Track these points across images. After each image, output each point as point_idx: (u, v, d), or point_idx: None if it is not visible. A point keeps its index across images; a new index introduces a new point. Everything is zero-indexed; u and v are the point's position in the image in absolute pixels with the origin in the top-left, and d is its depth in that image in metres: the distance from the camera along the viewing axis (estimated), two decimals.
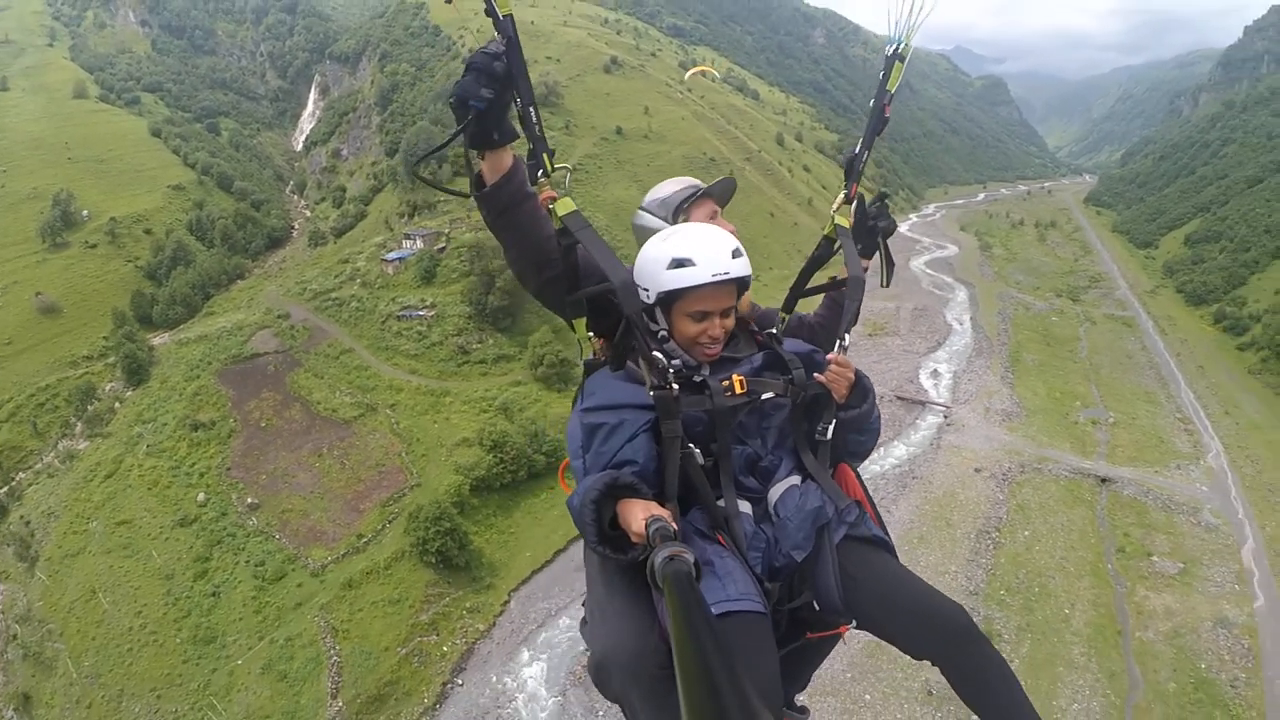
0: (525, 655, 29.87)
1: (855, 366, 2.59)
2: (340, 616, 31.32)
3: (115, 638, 32.71)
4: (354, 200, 76.99)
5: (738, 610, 2.06)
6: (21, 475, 45.24)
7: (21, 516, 41.31)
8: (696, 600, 1.44)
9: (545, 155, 2.45)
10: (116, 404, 48.16)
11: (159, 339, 53.44)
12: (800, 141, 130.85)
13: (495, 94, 2.15)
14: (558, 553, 34.60)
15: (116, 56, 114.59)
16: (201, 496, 37.95)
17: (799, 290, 3.20)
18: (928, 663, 2.16)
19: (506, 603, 32.61)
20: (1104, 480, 39.77)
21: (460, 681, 29.29)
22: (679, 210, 2.95)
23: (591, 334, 2.67)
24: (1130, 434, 45.15)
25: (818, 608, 2.36)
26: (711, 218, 2.97)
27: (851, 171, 3.10)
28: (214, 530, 36.12)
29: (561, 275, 2.52)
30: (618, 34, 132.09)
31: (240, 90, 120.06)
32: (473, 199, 2.41)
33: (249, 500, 37.54)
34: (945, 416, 47.14)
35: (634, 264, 2.53)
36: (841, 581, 2.29)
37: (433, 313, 48.59)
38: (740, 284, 2.46)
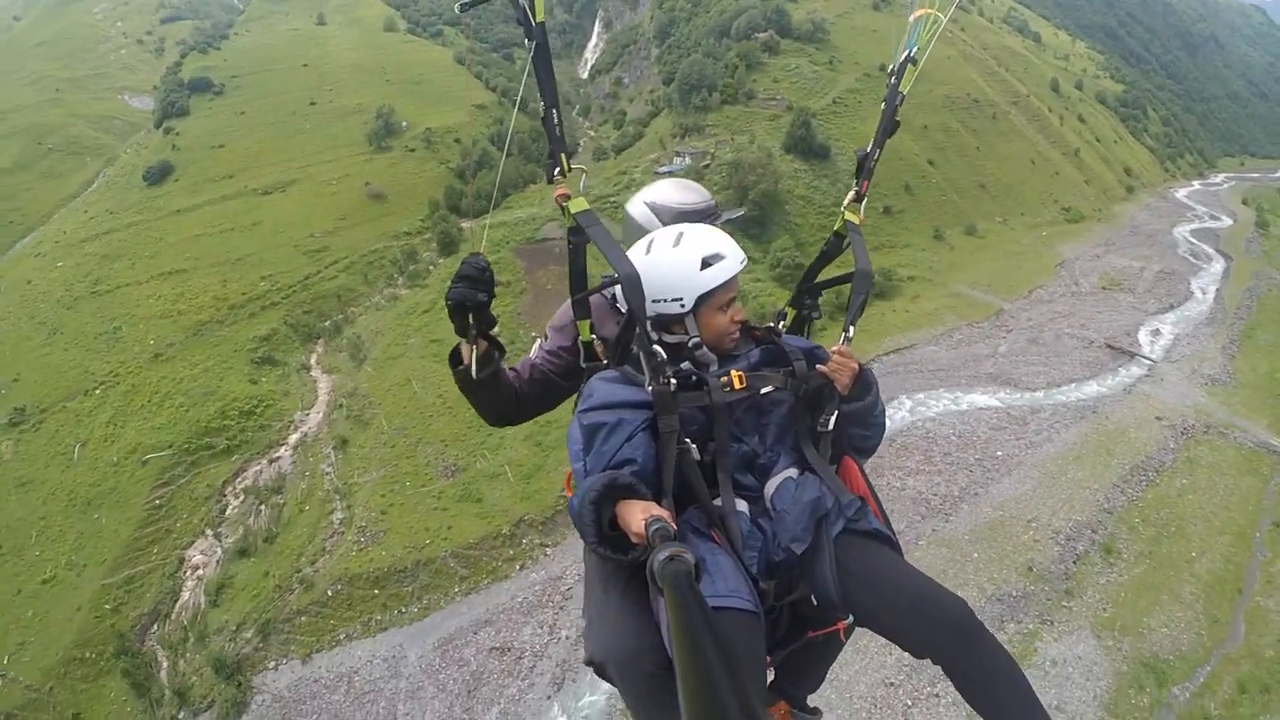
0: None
1: (858, 359, 2.76)
2: None
3: (420, 409, 45.82)
4: (633, 122, 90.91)
5: (725, 607, 2.18)
6: (353, 309, 61.17)
7: (354, 334, 56.35)
8: (697, 600, 1.54)
9: (563, 155, 2.90)
10: (431, 266, 64.01)
11: (466, 223, 69.81)
12: (1079, 90, 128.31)
13: (489, 295, 2.72)
14: None
15: None
16: (496, 329, 53.32)
17: (807, 284, 3.51)
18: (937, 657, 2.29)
19: None
20: None
21: None
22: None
23: (595, 336, 3.07)
24: None
25: (815, 602, 2.49)
26: None
27: (862, 169, 3.37)
28: (513, 350, 50.68)
29: (559, 377, 3.17)
30: None
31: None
32: (450, 367, 2.98)
33: (532, 335, 50.72)
34: (1149, 370, 48.99)
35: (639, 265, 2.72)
36: (839, 575, 2.41)
37: None
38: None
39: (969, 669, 2.22)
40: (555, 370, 3.15)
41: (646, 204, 3.34)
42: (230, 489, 41.44)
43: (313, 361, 54.98)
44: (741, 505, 2.57)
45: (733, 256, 2.70)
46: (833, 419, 2.71)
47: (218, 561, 38.17)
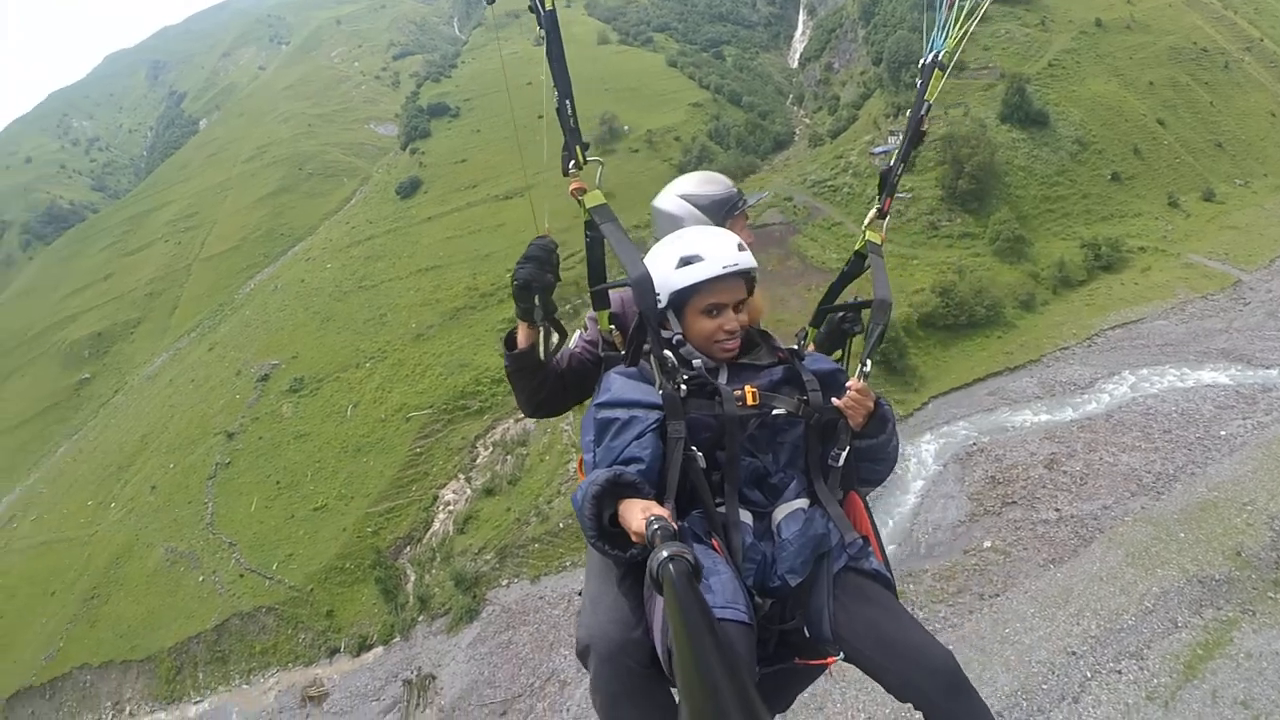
0: (927, 436, 41.33)
1: (876, 394, 2.76)
2: None
3: None
4: (846, 106, 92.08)
5: (721, 618, 2.23)
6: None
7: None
8: (697, 600, 1.56)
9: (578, 147, 2.99)
10: None
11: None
12: None
13: (555, 278, 2.84)
14: (978, 380, 45.01)
15: (625, 7, 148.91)
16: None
17: (826, 306, 3.54)
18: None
19: (926, 403, 44.14)
20: None
21: None
22: (728, 215, 3.29)
23: (613, 328, 3.14)
24: None
25: (807, 635, 2.56)
26: (744, 230, 3.30)
27: (885, 185, 3.40)
28: None
29: (566, 382, 3.15)
30: None
31: (736, 20, 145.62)
32: (502, 352, 3.02)
33: None
34: None
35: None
36: (834, 612, 2.49)
37: (910, 195, 61.34)
38: (748, 278, 2.81)
39: (950, 718, 2.29)
40: (593, 360, 3.18)
41: (671, 198, 3.33)
42: (481, 442, 48.62)
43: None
44: (746, 517, 2.62)
45: (713, 260, 2.69)
46: (844, 455, 2.74)
47: (466, 499, 45.74)
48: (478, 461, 47.94)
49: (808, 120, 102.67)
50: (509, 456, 46.15)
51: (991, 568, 31.40)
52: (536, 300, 2.84)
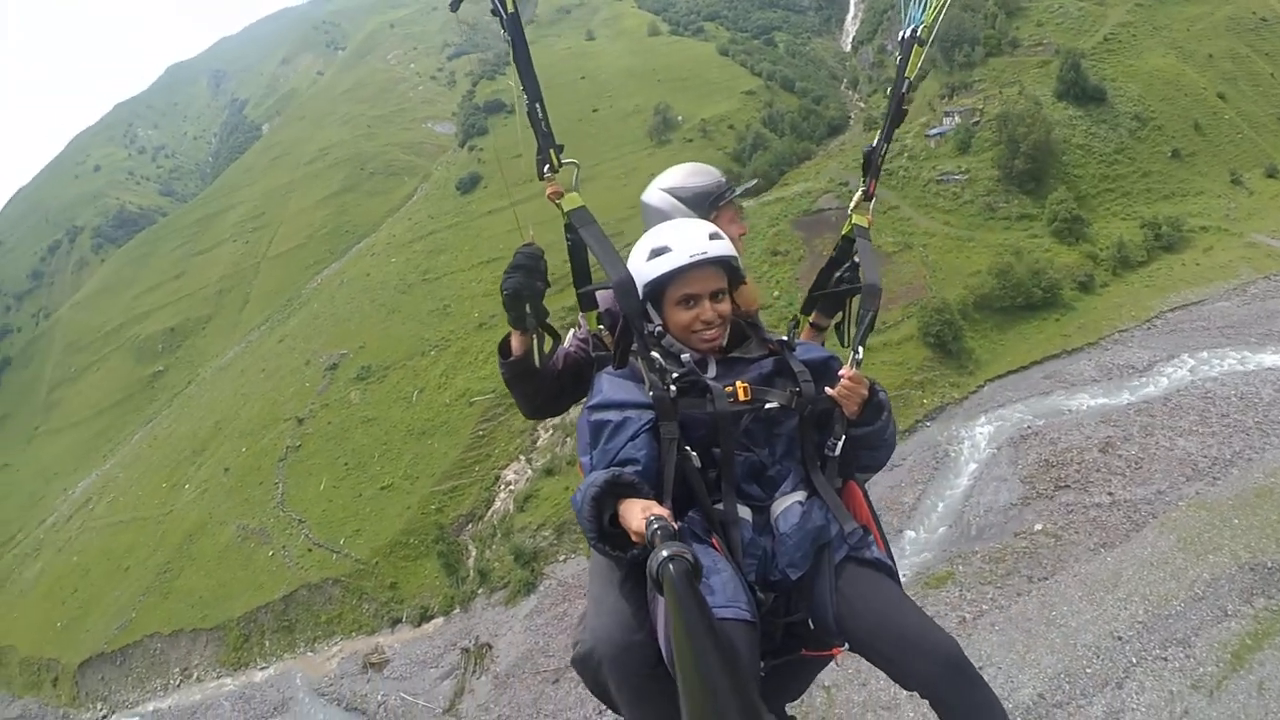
0: (981, 419, 41.52)
1: (870, 380, 2.75)
2: None
3: None
4: None
5: (723, 618, 2.25)
6: None
7: None
8: (697, 599, 1.55)
9: (552, 151, 2.95)
10: None
11: (746, 203, 74.97)
12: None
13: (544, 284, 2.86)
14: (1034, 363, 44.95)
15: None
16: (776, 293, 56.91)
17: (816, 293, 3.52)
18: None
19: (981, 386, 44.33)
20: None
21: (928, 423, 42.61)
22: (713, 207, 3.23)
23: (602, 328, 3.09)
24: None
25: (812, 626, 2.61)
26: (733, 221, 3.23)
27: (869, 166, 3.36)
28: (792, 311, 54.08)
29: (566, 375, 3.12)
30: None
31: (786, 5, 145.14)
32: (498, 358, 3.04)
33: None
34: None
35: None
36: (837, 603, 2.50)
37: (966, 177, 61.04)
38: (725, 265, 2.75)
39: (957, 708, 2.30)
40: (586, 359, 3.18)
41: (659, 191, 3.31)
42: (542, 425, 49.47)
43: None
44: (745, 513, 2.62)
45: (681, 249, 2.67)
46: (840, 444, 2.73)
47: (527, 479, 47.43)
48: (538, 444, 49.42)
49: (862, 104, 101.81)
50: (568, 439, 47.20)
51: (1041, 551, 31.55)
52: (528, 308, 2.86)
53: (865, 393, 2.70)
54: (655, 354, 2.60)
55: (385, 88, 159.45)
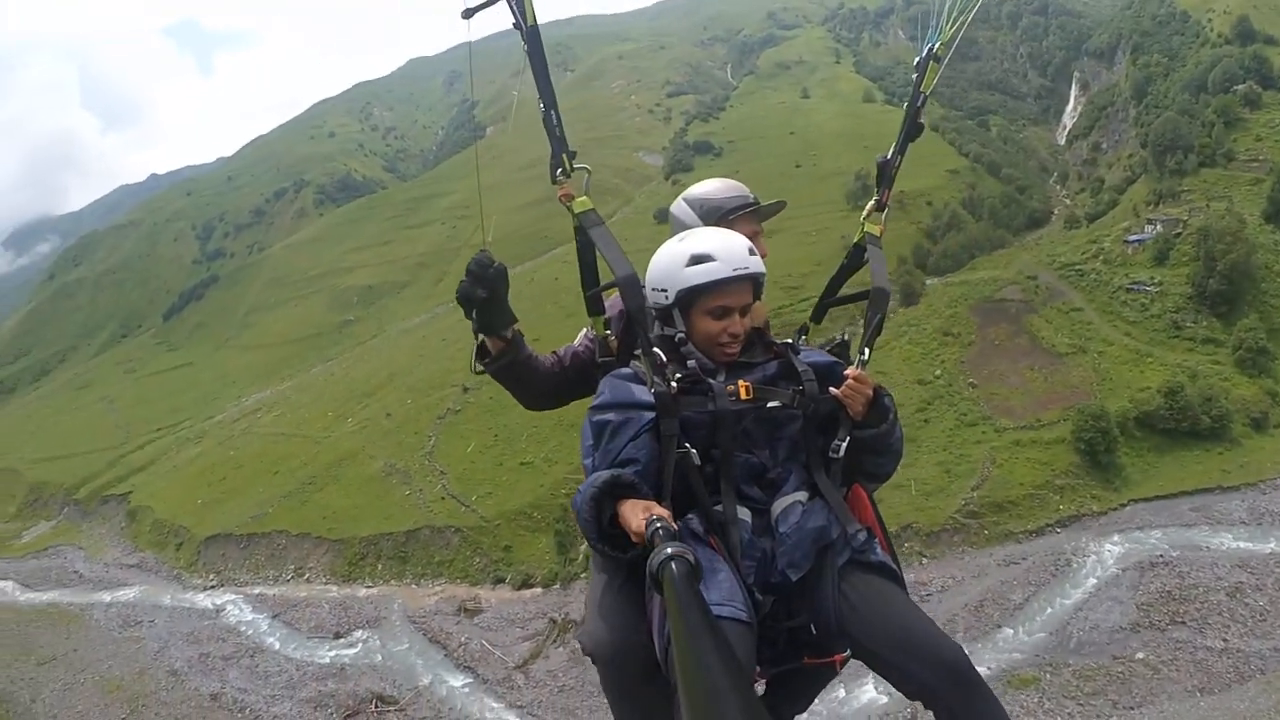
0: (1115, 537, 40.68)
1: (875, 384, 2.72)
2: (1001, 456, 46.89)
3: None
4: (1109, 189, 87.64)
5: (719, 616, 2.21)
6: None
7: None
8: (696, 600, 1.55)
9: (565, 156, 2.99)
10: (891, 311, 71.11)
11: (929, 280, 72.77)
12: None
13: (489, 292, 2.84)
14: (1184, 493, 43.16)
15: (893, 67, 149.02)
16: (939, 372, 56.87)
17: (827, 300, 3.54)
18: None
19: (1124, 505, 43.33)
20: None
21: (1058, 529, 42.29)
22: (724, 219, 3.24)
23: (609, 332, 3.13)
24: None
25: (814, 631, 2.55)
26: (753, 236, 3.12)
27: (883, 177, 3.37)
28: (949, 392, 53.45)
29: (569, 378, 3.23)
30: None
31: (1005, 90, 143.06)
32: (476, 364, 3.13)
33: (970, 380, 54.39)
34: None
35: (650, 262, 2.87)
36: (840, 606, 2.45)
37: (1158, 289, 58.77)
38: (756, 283, 2.77)
39: (961, 716, 2.24)
40: (592, 361, 3.19)
41: (680, 200, 3.39)
42: None
43: None
44: (744, 514, 2.60)
45: (726, 261, 2.66)
46: (844, 445, 2.70)
47: None
48: None
49: (1068, 200, 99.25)
50: None
51: (1136, 679, 30.97)
52: (474, 315, 2.91)
53: (870, 393, 2.70)
54: (658, 350, 2.62)
55: (605, 114, 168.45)
